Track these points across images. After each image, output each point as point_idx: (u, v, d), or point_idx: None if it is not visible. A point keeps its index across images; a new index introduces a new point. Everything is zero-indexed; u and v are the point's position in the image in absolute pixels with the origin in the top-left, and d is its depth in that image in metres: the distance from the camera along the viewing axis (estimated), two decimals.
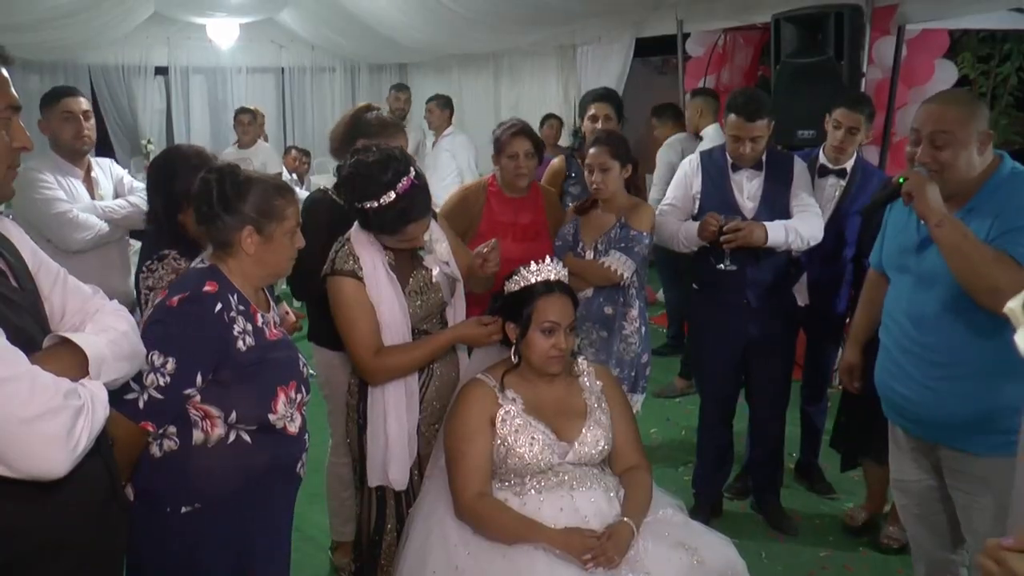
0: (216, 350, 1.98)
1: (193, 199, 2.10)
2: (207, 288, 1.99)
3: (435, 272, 2.70)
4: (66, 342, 1.56)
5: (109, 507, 1.75)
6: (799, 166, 3.56)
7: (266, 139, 7.70)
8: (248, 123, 7.13)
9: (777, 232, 3.33)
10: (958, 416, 2.33)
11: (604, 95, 4.12)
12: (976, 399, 2.28)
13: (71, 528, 1.61)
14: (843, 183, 3.80)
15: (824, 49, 4.57)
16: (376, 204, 2.45)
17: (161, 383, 1.91)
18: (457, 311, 2.80)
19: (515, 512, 2.30)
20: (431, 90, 7.94)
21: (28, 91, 9.05)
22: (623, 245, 3.26)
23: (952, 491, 2.46)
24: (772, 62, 4.99)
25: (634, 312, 3.33)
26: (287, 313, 3.03)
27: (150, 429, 1.96)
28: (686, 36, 6.14)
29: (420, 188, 2.50)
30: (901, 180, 2.35)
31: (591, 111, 4.04)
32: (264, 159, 6.88)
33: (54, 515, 1.57)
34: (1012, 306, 1.26)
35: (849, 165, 3.81)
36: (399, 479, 2.64)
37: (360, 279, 2.54)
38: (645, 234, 3.28)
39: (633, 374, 3.34)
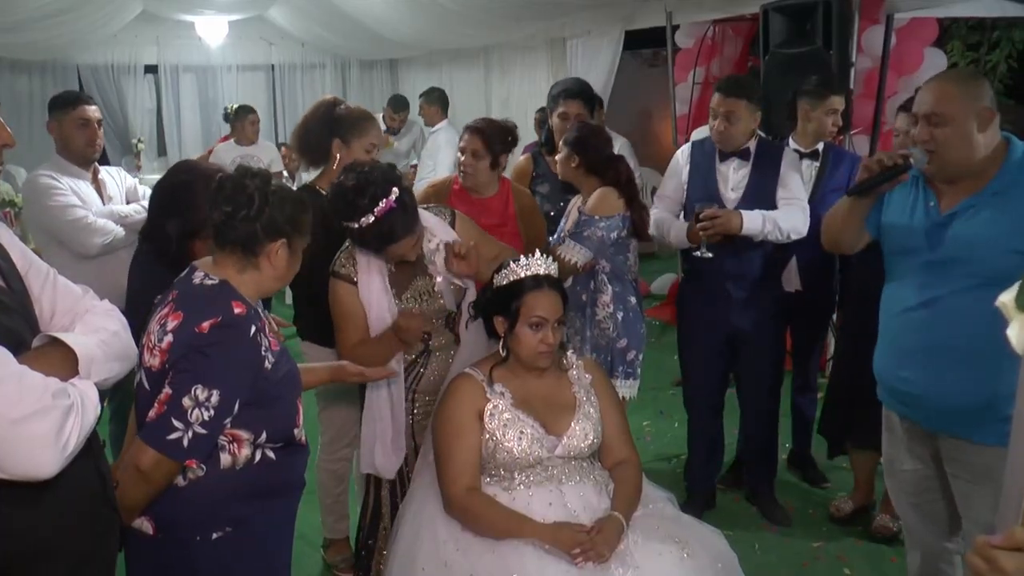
0: (253, 374, 1.91)
1: (224, 202, 1.95)
2: (238, 310, 1.88)
3: (438, 280, 2.71)
4: (56, 342, 1.56)
5: (101, 510, 1.74)
6: (788, 157, 3.55)
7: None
8: (254, 122, 7.05)
9: (754, 221, 3.32)
10: (963, 403, 2.29)
11: (575, 91, 3.95)
12: (982, 385, 2.24)
13: (62, 531, 1.61)
14: (817, 164, 3.86)
15: (813, 39, 4.56)
16: (356, 226, 2.49)
17: (206, 417, 1.82)
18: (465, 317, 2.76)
19: (504, 507, 2.30)
20: (422, 86, 7.92)
21: (17, 92, 9.08)
22: (575, 231, 3.25)
23: (952, 479, 2.43)
24: (761, 52, 4.99)
25: (606, 298, 3.32)
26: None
27: (193, 466, 1.88)
28: (675, 28, 6.14)
29: (401, 209, 2.48)
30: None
31: (561, 108, 3.87)
32: (271, 157, 6.80)
33: (45, 518, 1.57)
34: (1004, 300, 1.25)
35: (820, 147, 3.88)
36: (386, 467, 2.68)
37: (354, 283, 2.62)
38: (597, 218, 3.22)
39: (609, 359, 3.32)
